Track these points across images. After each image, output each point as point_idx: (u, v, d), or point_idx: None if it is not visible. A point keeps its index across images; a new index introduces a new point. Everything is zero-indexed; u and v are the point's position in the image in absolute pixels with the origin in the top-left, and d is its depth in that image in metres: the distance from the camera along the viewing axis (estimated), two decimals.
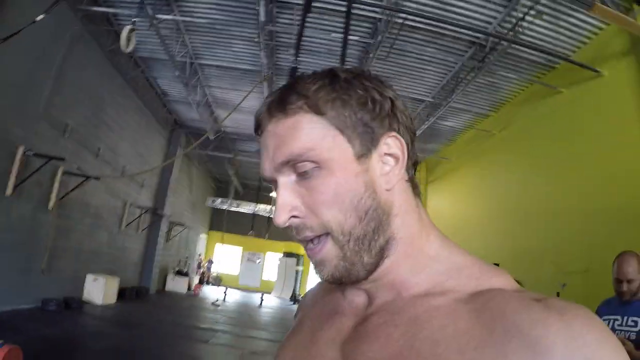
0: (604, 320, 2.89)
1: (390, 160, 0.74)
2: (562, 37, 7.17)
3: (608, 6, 5.51)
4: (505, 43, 7.18)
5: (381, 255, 0.72)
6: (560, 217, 7.38)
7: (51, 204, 7.60)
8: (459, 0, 6.76)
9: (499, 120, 10.15)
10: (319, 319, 0.83)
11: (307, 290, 1.01)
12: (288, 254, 22.05)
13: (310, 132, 0.70)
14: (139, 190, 12.45)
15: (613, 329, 2.84)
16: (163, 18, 7.46)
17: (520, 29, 6.80)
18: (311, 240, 0.72)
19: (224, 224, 19.85)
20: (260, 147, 0.76)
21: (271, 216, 17.73)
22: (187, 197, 18.00)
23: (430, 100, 10.05)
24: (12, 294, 6.94)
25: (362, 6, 6.58)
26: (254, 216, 17.74)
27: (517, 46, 7.24)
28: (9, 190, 6.42)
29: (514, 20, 6.79)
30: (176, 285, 16.35)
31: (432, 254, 0.74)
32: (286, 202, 0.71)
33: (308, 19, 7.25)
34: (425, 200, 14.21)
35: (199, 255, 22.77)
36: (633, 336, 2.78)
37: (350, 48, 8.32)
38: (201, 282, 20.23)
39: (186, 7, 7.61)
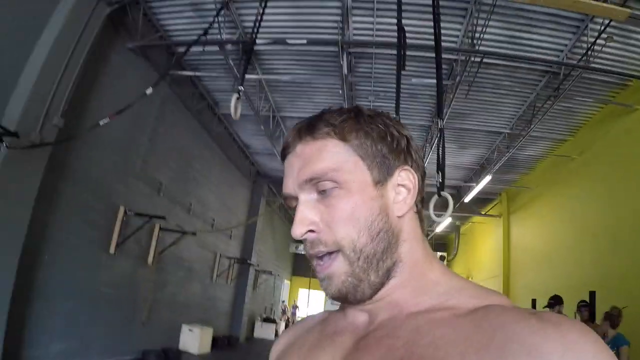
0: None
1: (403, 190, 0.78)
2: (633, 55, 6.88)
3: None
4: (578, 70, 6.98)
5: (387, 276, 0.76)
6: None
7: (150, 259, 7.89)
8: (530, 33, 6.67)
9: (577, 144, 9.82)
10: (318, 342, 0.84)
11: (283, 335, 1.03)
12: None
13: (335, 155, 0.76)
14: (228, 241, 12.71)
15: None
16: (248, 78, 7.78)
17: (592, 55, 6.58)
18: (321, 257, 0.75)
19: (310, 269, 19.88)
20: (285, 167, 0.80)
21: None
22: (271, 244, 18.20)
23: (508, 131, 9.86)
24: (115, 346, 7.18)
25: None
26: None
27: (590, 71, 7.03)
28: (112, 249, 6.74)
29: (584, 46, 6.57)
30: (264, 332, 16.45)
31: (434, 279, 0.77)
32: (305, 216, 0.75)
33: (384, 66, 7.39)
34: (507, 231, 13.81)
35: (283, 301, 22.91)
36: None
37: (428, 90, 8.38)
38: (287, 327, 20.26)
39: (268, 65, 7.92)
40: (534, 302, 10.29)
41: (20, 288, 4.90)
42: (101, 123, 4.56)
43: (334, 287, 0.75)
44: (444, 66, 7.59)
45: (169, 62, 7.80)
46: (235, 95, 4.37)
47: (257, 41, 6.66)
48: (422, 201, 0.83)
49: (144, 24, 6.84)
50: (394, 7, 6.14)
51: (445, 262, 19.80)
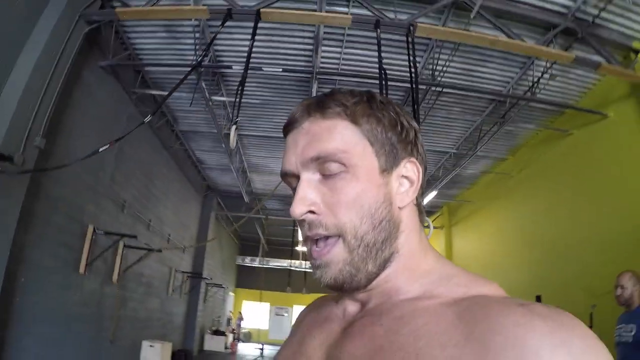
0: (617, 329, 3.54)
1: (406, 182, 0.78)
2: (570, 87, 7.66)
3: (610, 63, 5.95)
4: (522, 102, 7.65)
5: (383, 266, 0.74)
6: (584, 246, 7.70)
7: (115, 276, 7.70)
8: (483, 67, 7.21)
9: (516, 163, 10.45)
10: (310, 328, 0.84)
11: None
12: None
13: (345, 137, 0.73)
14: (182, 255, 12.51)
15: (620, 335, 3.47)
16: (215, 99, 7.81)
17: (536, 87, 7.21)
18: (317, 242, 0.73)
19: (257, 281, 19.80)
20: (287, 142, 0.78)
21: (307, 270, 17.77)
22: (219, 257, 18.00)
23: (455, 151, 10.39)
24: None
25: (398, 78, 6.91)
26: (290, 272, 17.75)
27: (533, 102, 7.66)
28: (81, 269, 6.55)
29: (530, 79, 7.25)
30: (214, 344, 16.17)
31: (427, 268, 0.76)
32: (307, 195, 0.72)
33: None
34: (449, 241, 14.34)
35: (229, 312, 22.66)
36: (630, 339, 3.36)
37: None
38: (234, 339, 20.08)
39: (233, 87, 7.96)
40: None
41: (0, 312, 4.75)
42: (100, 150, 4.48)
43: (330, 275, 0.72)
44: (401, 94, 7.98)
45: (136, 80, 7.72)
46: (234, 127, 4.45)
47: (233, 67, 6.73)
48: (422, 194, 0.82)
49: (115, 42, 6.74)
50: (358, 40, 6.49)
51: None
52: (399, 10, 5.67)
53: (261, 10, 5.00)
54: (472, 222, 13.08)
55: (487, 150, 10.11)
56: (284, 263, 19.33)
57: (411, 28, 5.31)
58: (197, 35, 6.53)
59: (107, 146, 4.54)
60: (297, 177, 0.75)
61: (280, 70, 6.83)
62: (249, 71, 6.99)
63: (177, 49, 7.09)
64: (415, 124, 0.81)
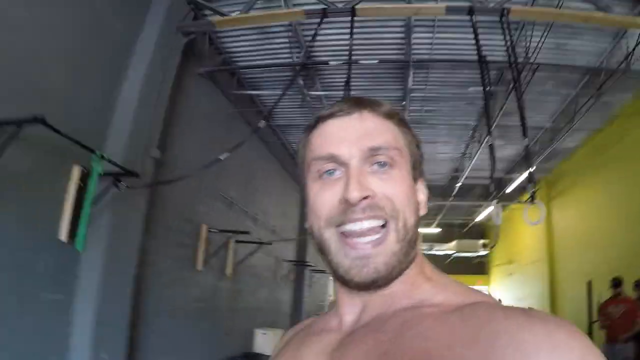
0: None
1: (422, 196, 0.82)
2: None
3: None
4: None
5: (407, 267, 0.76)
6: None
7: (228, 271, 8.04)
8: (575, 40, 6.82)
9: (613, 133, 9.76)
10: (305, 341, 0.83)
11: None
12: None
13: (397, 137, 0.78)
14: (286, 245, 12.82)
15: None
16: (313, 94, 7.90)
17: (631, 59, 6.73)
18: (364, 233, 0.71)
19: None
20: (332, 128, 0.77)
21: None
22: None
23: (550, 125, 9.92)
24: (206, 356, 7.34)
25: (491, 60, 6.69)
26: None
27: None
28: (199, 266, 6.87)
29: (624, 47, 6.76)
30: None
31: (428, 276, 0.78)
32: (363, 181, 0.72)
33: (438, 76, 7.42)
34: (548, 216, 13.69)
35: (330, 297, 23.01)
36: None
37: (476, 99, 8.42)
38: None
39: (329, 81, 8.01)
40: (589, 284, 10.25)
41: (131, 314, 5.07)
42: (222, 158, 4.69)
43: (374, 266, 0.72)
44: (493, 72, 7.64)
45: (232, 82, 7.93)
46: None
47: (330, 62, 6.76)
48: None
49: (210, 48, 6.95)
50: (449, 24, 6.30)
51: (486, 249, 19.71)
52: None
53: (356, 7, 4.95)
54: (571, 196, 12.42)
55: (583, 122, 9.55)
56: None
57: (505, 12, 5.09)
58: (289, 34, 6.59)
59: (227, 154, 4.74)
60: (342, 163, 0.74)
61: (377, 61, 6.77)
62: (342, 63, 7.06)
63: (269, 49, 7.19)
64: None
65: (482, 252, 19.92)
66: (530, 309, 0.63)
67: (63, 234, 4.08)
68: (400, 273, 0.75)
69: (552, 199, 13.67)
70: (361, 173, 0.73)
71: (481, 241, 19.60)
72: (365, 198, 0.72)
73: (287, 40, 6.82)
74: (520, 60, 6.83)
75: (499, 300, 17.38)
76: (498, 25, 5.48)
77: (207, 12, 6.06)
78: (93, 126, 4.57)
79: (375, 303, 0.76)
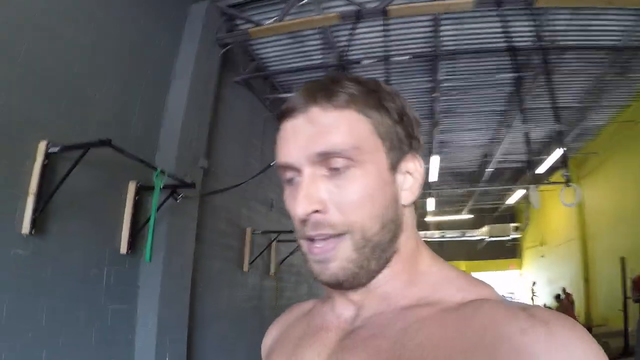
0: None
1: (410, 178, 0.73)
2: None
3: None
4: None
5: (384, 265, 0.71)
6: None
7: (271, 270, 8.22)
8: (597, 20, 6.72)
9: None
10: (304, 337, 0.79)
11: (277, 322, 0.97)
12: None
13: (356, 130, 0.67)
14: None
15: None
16: None
17: None
18: (316, 239, 0.68)
19: None
20: (286, 130, 0.71)
21: (440, 240, 17.71)
22: None
23: (578, 105, 9.84)
24: (253, 352, 7.50)
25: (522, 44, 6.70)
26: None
27: None
28: (245, 267, 7.04)
29: None
30: None
31: (423, 269, 0.73)
32: (313, 193, 0.67)
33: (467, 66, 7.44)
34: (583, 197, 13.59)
35: None
36: None
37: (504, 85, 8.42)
38: None
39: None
40: (622, 260, 10.23)
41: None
42: (272, 164, 4.81)
43: (331, 271, 0.68)
44: (521, 57, 7.61)
45: (267, 87, 8.09)
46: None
47: (363, 62, 6.84)
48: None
49: (244, 56, 7.09)
50: (475, 14, 6.32)
51: (518, 232, 19.60)
52: None
53: (388, 8, 5.03)
54: (600, 175, 12.44)
55: (610, 99, 9.52)
56: None
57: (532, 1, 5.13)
58: (320, 36, 6.69)
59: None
60: (297, 170, 0.70)
61: (408, 57, 6.84)
62: (376, 61, 7.14)
63: (302, 52, 7.29)
64: (416, 115, 0.76)
65: (514, 235, 19.83)
66: (533, 306, 0.61)
67: (123, 247, 4.29)
68: (373, 272, 0.70)
69: (581, 178, 13.62)
70: (312, 181, 0.68)
71: (512, 224, 19.51)
72: (316, 211, 0.67)
73: (318, 42, 6.91)
74: (546, 44, 6.84)
75: (532, 285, 17.32)
76: (522, 10, 5.52)
77: (239, 21, 6.22)
78: (145, 141, 4.76)
79: (370, 302, 0.72)
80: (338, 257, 0.67)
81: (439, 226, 18.46)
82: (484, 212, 19.10)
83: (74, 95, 3.88)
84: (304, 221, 0.68)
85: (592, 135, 12.05)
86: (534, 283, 17.94)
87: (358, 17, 5.20)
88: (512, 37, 6.62)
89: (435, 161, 10.90)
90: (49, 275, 3.55)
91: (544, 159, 11.90)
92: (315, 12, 5.67)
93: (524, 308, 0.59)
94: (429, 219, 17.87)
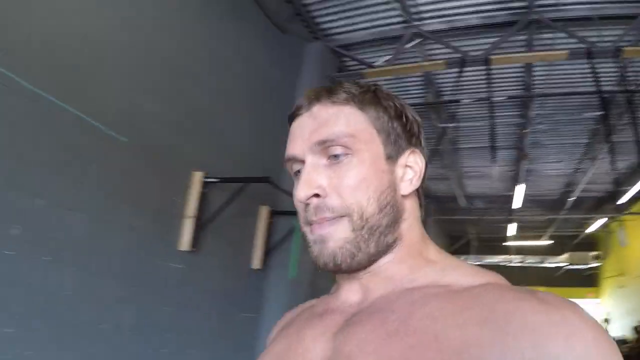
0: None
1: (410, 171, 0.77)
2: None
3: None
4: None
5: (385, 251, 0.72)
6: None
7: None
8: None
9: None
10: (306, 322, 0.79)
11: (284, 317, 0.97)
12: None
13: (352, 121, 0.72)
14: None
15: None
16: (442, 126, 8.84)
17: None
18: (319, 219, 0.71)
19: None
20: (293, 128, 0.77)
21: (520, 265, 17.91)
22: None
23: None
24: None
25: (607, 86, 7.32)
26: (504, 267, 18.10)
27: None
28: None
29: None
30: None
31: (430, 258, 0.75)
32: (312, 178, 0.71)
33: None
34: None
35: None
36: None
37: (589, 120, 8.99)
38: None
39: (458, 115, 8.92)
40: None
41: None
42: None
43: (329, 251, 0.70)
44: (607, 96, 8.13)
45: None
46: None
47: (463, 101, 7.71)
48: (422, 187, 0.80)
49: None
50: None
51: (597, 261, 19.44)
52: (603, 31, 6.01)
53: (490, 57, 5.90)
54: None
55: None
56: (496, 259, 19.64)
57: (620, 53, 5.77)
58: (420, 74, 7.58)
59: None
60: (302, 162, 0.74)
61: (505, 98, 7.64)
62: (475, 101, 7.97)
63: (402, 87, 8.07)
64: (419, 118, 0.80)
65: (593, 264, 19.69)
66: (542, 292, 0.61)
67: (257, 263, 4.90)
68: (373, 255, 0.71)
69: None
70: (314, 168, 0.72)
71: (592, 253, 19.38)
72: (316, 195, 0.71)
73: (417, 79, 7.79)
74: (631, 87, 7.40)
75: (604, 320, 17.11)
76: (608, 55, 6.12)
77: (345, 59, 7.06)
78: (272, 171, 5.11)
79: (376, 284, 0.73)
80: (336, 237, 0.69)
81: (520, 251, 18.65)
82: (564, 240, 19.17)
83: (215, 131, 4.39)
84: (305, 205, 0.71)
85: None
86: (607, 315, 17.80)
87: (462, 64, 6.08)
88: (598, 79, 7.22)
89: (520, 189, 11.42)
90: (199, 287, 4.11)
91: (627, 190, 12.14)
92: (418, 53, 6.58)
93: (532, 292, 0.59)
94: (509, 243, 18.17)
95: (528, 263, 19.00)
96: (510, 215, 14.24)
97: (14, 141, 2.62)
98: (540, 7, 5.75)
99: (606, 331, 0.55)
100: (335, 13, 6.19)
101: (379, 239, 0.71)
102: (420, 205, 0.81)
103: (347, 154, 0.71)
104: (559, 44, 6.24)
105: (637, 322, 13.68)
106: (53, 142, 2.84)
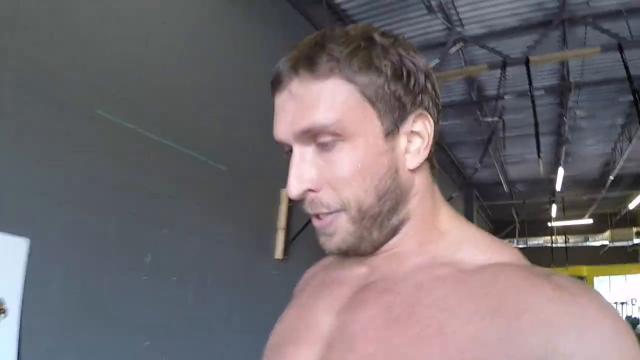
0: None
1: (417, 139, 0.66)
2: None
3: None
4: None
5: (393, 233, 0.67)
6: None
7: None
8: None
9: None
10: (317, 290, 0.77)
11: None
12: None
13: (339, 101, 0.60)
14: None
15: None
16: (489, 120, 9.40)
17: None
18: (318, 215, 0.65)
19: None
20: (276, 106, 0.65)
21: (567, 245, 18.15)
22: None
23: None
24: None
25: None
26: (551, 249, 18.29)
27: None
28: None
29: None
30: None
31: (442, 229, 0.68)
32: (302, 173, 0.63)
33: None
34: None
35: None
36: None
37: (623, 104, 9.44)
38: None
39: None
40: None
41: None
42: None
43: (334, 243, 0.66)
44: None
45: None
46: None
47: (506, 97, 8.31)
48: (436, 143, 0.67)
49: None
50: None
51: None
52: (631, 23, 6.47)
53: (530, 57, 6.50)
54: None
55: None
56: (540, 240, 19.80)
57: None
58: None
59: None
60: (289, 146, 0.65)
61: (543, 93, 8.17)
62: (517, 97, 8.53)
63: (445, 89, 8.60)
64: (423, 64, 0.65)
65: (637, 240, 19.75)
66: (558, 275, 0.56)
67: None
68: (377, 241, 0.66)
69: None
70: (301, 160, 0.63)
71: (635, 229, 19.47)
72: (310, 190, 0.63)
73: (460, 79, 8.30)
74: None
75: None
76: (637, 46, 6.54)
77: None
78: None
79: (383, 260, 0.68)
80: (337, 231, 0.65)
81: (563, 232, 18.83)
82: (606, 217, 19.31)
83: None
84: (301, 201, 0.65)
85: None
86: None
87: (504, 66, 6.68)
88: (628, 68, 7.66)
89: (560, 173, 11.85)
90: (287, 292, 4.96)
91: None
92: (461, 56, 7.19)
93: (548, 275, 0.55)
94: (552, 224, 18.45)
95: (572, 243, 19.20)
96: (552, 196, 14.59)
97: (140, 180, 3.11)
98: (572, 5, 6.33)
99: (626, 322, 0.51)
100: (383, 26, 6.82)
101: (382, 224, 0.65)
102: (432, 167, 0.71)
103: (337, 139, 0.61)
104: (592, 38, 6.77)
105: None
106: (171, 177, 3.36)
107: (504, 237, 22.72)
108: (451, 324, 0.53)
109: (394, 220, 0.66)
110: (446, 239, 0.66)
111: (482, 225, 21.97)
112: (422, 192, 0.68)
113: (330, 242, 0.66)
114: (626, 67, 6.37)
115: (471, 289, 0.56)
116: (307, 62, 0.60)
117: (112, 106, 2.96)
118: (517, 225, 20.16)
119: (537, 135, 6.39)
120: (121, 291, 2.92)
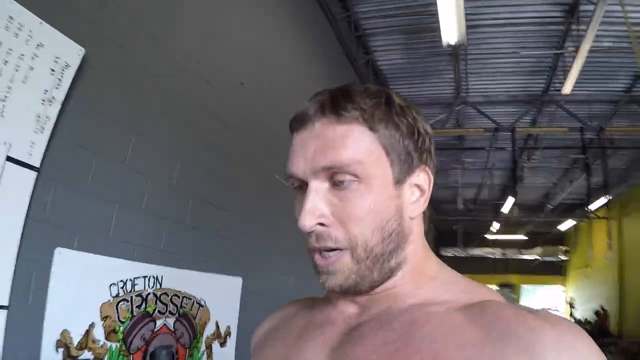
0: None
1: (417, 191, 0.70)
2: None
3: None
4: None
5: (389, 275, 0.69)
6: None
7: None
8: None
9: None
10: (304, 331, 0.75)
11: (265, 323, 0.90)
12: (504, 285, 22.42)
13: (361, 145, 0.64)
14: None
15: None
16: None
17: None
18: (321, 251, 0.66)
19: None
20: (295, 142, 0.68)
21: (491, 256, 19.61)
22: None
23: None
24: None
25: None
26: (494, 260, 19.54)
27: None
28: None
29: None
30: None
31: (431, 274, 0.71)
32: (316, 207, 0.64)
33: None
34: (621, 229, 14.64)
35: None
36: None
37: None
38: None
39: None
40: None
41: None
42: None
43: (336, 282, 0.66)
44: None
45: None
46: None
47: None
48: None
49: None
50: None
51: (566, 255, 21.38)
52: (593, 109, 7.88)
53: (515, 127, 7.78)
54: None
55: None
56: (480, 251, 21.10)
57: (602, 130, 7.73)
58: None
59: None
60: (304, 182, 0.67)
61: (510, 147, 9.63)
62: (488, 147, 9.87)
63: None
64: (430, 130, 0.72)
65: (563, 257, 21.59)
66: (538, 309, 0.60)
67: None
68: (376, 282, 0.68)
69: (624, 215, 14.66)
70: (317, 195, 0.65)
71: (562, 247, 21.33)
72: (320, 224, 0.65)
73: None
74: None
75: (570, 300, 18.75)
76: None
77: None
78: None
79: (376, 302, 0.69)
80: (341, 269, 0.66)
81: (500, 245, 20.36)
82: (538, 235, 21.06)
83: None
84: (309, 234, 0.66)
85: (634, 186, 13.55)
86: (571, 299, 19.87)
87: (496, 131, 7.90)
88: (584, 135, 8.95)
89: (510, 200, 13.02)
90: None
91: (594, 201, 13.00)
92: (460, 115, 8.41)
93: (530, 310, 0.59)
94: (490, 236, 19.97)
95: (508, 256, 20.88)
96: (497, 215, 15.97)
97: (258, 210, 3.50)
98: (551, 92, 7.73)
99: (600, 351, 0.55)
100: (406, 85, 7.99)
101: (382, 265, 0.66)
102: (425, 219, 0.74)
103: (354, 180, 0.63)
104: (561, 116, 8.16)
105: (597, 308, 15.52)
106: (272, 206, 3.63)
107: (445, 247, 22.78)
108: (446, 354, 0.56)
109: (392, 263, 0.67)
110: (434, 282, 0.69)
111: (427, 235, 23.14)
112: (417, 239, 0.71)
113: (332, 280, 0.66)
114: (583, 146, 7.83)
115: (460, 322, 0.59)
116: (335, 107, 0.65)
117: None
118: (460, 236, 21.30)
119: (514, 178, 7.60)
120: None
